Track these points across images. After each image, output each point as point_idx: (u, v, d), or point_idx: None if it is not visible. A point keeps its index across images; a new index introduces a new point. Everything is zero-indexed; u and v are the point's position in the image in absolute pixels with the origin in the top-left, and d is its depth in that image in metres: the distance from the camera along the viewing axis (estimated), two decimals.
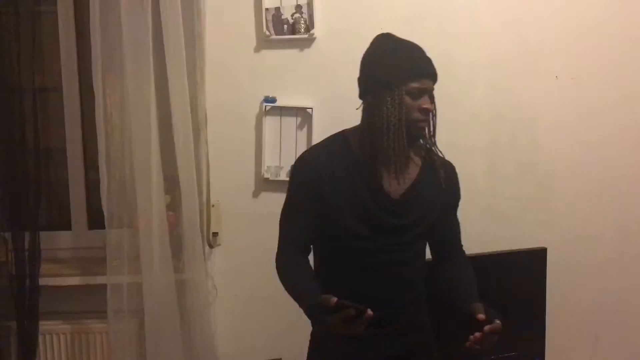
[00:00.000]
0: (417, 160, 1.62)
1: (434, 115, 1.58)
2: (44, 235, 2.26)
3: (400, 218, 1.58)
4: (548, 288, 2.26)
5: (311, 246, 1.69)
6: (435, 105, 1.58)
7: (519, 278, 2.20)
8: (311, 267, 1.65)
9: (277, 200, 2.38)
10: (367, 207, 1.55)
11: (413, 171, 1.60)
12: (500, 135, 2.38)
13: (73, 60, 2.40)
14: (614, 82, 2.39)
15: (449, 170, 1.68)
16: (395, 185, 1.56)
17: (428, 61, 1.55)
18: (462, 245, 1.79)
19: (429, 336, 1.73)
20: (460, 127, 2.30)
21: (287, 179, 2.35)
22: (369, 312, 1.29)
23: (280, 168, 2.36)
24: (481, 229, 2.29)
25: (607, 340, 2.52)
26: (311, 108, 2.30)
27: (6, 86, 2.17)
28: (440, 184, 1.62)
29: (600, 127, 2.41)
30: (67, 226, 2.49)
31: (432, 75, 1.55)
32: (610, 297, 2.49)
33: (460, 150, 2.04)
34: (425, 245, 1.72)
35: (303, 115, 2.33)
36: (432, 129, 1.59)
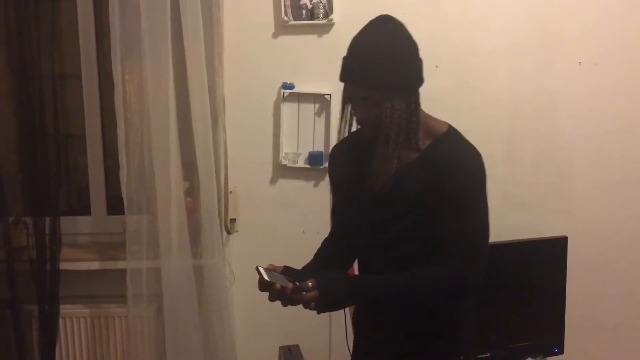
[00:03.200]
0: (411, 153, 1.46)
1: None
2: (63, 220, 2.28)
3: (381, 212, 1.47)
4: (568, 277, 2.24)
5: None
6: None
7: (539, 267, 2.18)
8: (329, 249, 1.67)
9: (294, 187, 2.41)
10: (352, 200, 1.54)
11: (402, 163, 1.44)
12: (520, 123, 2.35)
13: (92, 46, 2.40)
14: (637, 68, 2.34)
15: (447, 164, 1.40)
16: (380, 178, 1.44)
17: None
18: (457, 258, 1.40)
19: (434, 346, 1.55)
20: (480, 115, 2.28)
21: (305, 165, 2.35)
22: (289, 287, 1.34)
23: (298, 155, 2.36)
24: (501, 217, 2.22)
25: (626, 331, 2.49)
26: (329, 94, 2.29)
27: (26, 73, 2.19)
28: (429, 178, 1.41)
29: (622, 115, 2.37)
30: (86, 211, 2.51)
31: None
32: (629, 287, 2.46)
33: (479, 138, 1.99)
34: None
35: (321, 101, 2.32)
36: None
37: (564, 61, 2.32)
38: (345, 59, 1.42)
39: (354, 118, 1.47)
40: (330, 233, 1.70)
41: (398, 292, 1.40)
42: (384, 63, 1.35)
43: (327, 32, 2.29)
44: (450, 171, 1.38)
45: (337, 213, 1.64)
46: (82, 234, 2.48)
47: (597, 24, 2.30)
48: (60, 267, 2.26)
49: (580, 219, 2.40)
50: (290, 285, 1.35)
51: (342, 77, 1.42)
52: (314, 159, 2.34)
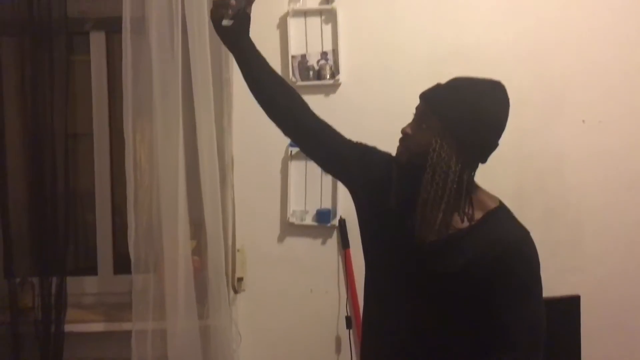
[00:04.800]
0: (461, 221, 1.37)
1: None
2: (69, 280, 2.27)
3: (423, 268, 1.36)
4: (582, 337, 2.18)
5: (316, 125, 1.51)
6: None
7: (552, 326, 2.11)
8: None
9: (302, 245, 2.39)
10: (391, 233, 1.42)
11: (451, 229, 1.35)
12: (527, 180, 2.35)
13: (104, 105, 2.46)
14: None
15: (506, 247, 1.32)
16: (425, 233, 1.35)
17: None
18: (522, 349, 1.30)
19: None
20: (486, 172, 2.27)
21: (313, 223, 2.34)
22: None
23: (306, 212, 2.36)
24: None
25: None
26: None
27: (40, 132, 2.23)
28: (483, 258, 1.31)
29: (629, 172, 2.36)
30: (93, 270, 2.50)
31: None
32: None
33: None
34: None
35: None
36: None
37: (568, 119, 2.35)
38: (437, 84, 1.39)
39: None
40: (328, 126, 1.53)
41: None
42: (465, 107, 1.31)
43: (334, 92, 2.34)
44: (511, 256, 1.31)
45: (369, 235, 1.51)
46: (88, 294, 2.46)
47: (599, 83, 2.33)
48: (65, 329, 2.23)
49: (593, 276, 2.36)
50: None
51: (421, 93, 1.38)
52: (321, 216, 2.34)
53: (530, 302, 1.32)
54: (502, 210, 1.41)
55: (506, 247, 1.32)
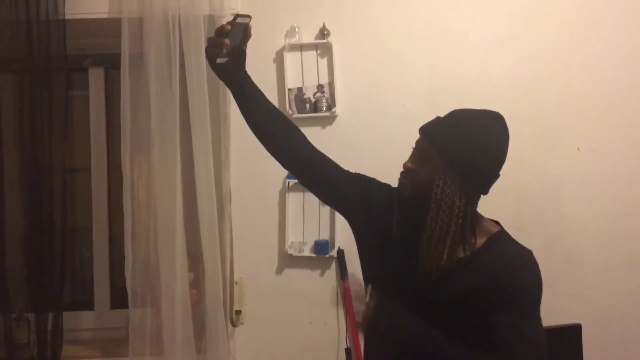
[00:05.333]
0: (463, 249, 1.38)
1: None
2: (66, 316, 2.25)
3: (424, 298, 1.37)
4: None
5: (312, 157, 1.50)
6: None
7: (553, 356, 2.10)
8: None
9: (300, 277, 2.38)
10: (394, 261, 1.43)
11: (453, 257, 1.36)
12: (525, 208, 2.36)
13: (102, 140, 2.48)
14: (636, 152, 2.37)
15: (507, 265, 1.33)
16: (428, 263, 1.35)
17: None
18: None
19: None
20: (484, 201, 2.28)
21: (311, 254, 2.34)
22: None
23: (304, 244, 2.35)
24: None
25: None
26: None
27: (37, 167, 2.24)
28: (484, 280, 1.32)
29: (625, 198, 2.37)
30: (89, 305, 2.48)
31: None
32: None
33: None
34: None
35: None
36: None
37: (563, 147, 2.36)
38: (437, 117, 1.40)
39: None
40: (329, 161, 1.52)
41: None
42: (466, 141, 1.31)
43: (331, 124, 2.36)
44: (513, 274, 1.31)
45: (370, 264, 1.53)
46: (84, 329, 2.43)
47: (593, 112, 2.36)
48: None
49: (593, 304, 2.34)
50: None
51: (421, 128, 1.39)
52: (319, 247, 2.34)
53: (530, 320, 1.31)
54: (503, 234, 1.42)
55: (507, 266, 1.32)
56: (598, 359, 2.24)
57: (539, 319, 1.33)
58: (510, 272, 1.32)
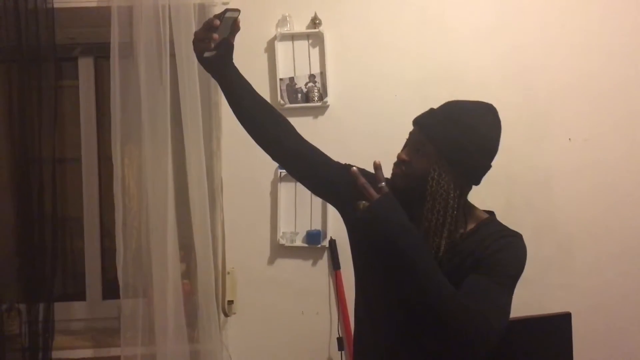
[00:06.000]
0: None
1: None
2: (57, 306, 2.25)
3: None
4: (574, 354, 2.18)
5: (299, 145, 1.52)
6: None
7: (543, 345, 2.12)
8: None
9: (293, 267, 2.39)
10: None
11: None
12: (516, 198, 2.37)
13: (92, 130, 2.46)
14: (626, 141, 2.38)
15: (496, 240, 1.35)
16: None
17: None
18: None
19: None
20: (475, 191, 2.29)
21: (303, 244, 2.34)
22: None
23: (296, 234, 2.36)
24: None
25: None
26: None
27: (27, 158, 2.22)
28: (473, 256, 1.34)
29: (615, 187, 2.39)
30: (81, 296, 2.47)
31: None
32: None
33: None
34: None
35: None
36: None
37: (554, 137, 2.37)
38: (431, 109, 1.40)
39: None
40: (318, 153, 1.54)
41: (429, 276, 1.25)
42: (459, 133, 1.33)
43: (323, 114, 2.36)
44: (498, 249, 1.32)
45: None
46: (76, 320, 2.43)
47: (584, 102, 2.37)
48: (53, 356, 2.20)
49: (583, 293, 2.37)
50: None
51: (415, 120, 1.40)
52: (311, 237, 2.34)
53: (501, 288, 1.30)
54: (493, 220, 1.44)
55: (494, 242, 1.34)
56: (587, 346, 2.27)
57: (509, 294, 1.32)
58: (496, 247, 1.33)
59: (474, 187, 1.42)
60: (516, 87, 2.35)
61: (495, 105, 1.42)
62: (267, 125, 1.49)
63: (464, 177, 1.36)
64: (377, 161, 1.29)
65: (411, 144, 1.39)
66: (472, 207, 1.44)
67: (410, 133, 1.41)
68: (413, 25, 2.36)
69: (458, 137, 1.33)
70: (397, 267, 1.26)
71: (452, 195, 1.33)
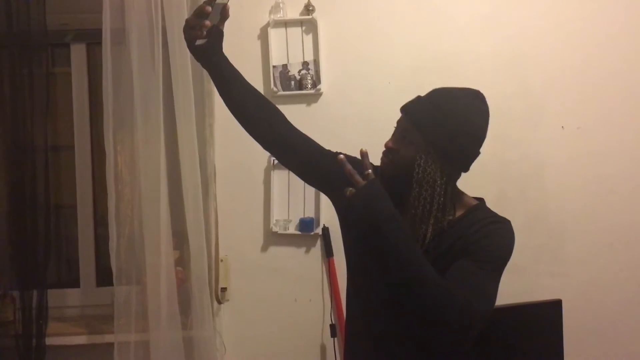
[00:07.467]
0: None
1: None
2: (51, 293, 2.25)
3: None
4: (565, 341, 2.21)
5: (289, 133, 1.52)
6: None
7: (534, 332, 2.14)
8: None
9: (286, 254, 2.40)
10: None
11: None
12: (508, 186, 2.37)
13: (85, 118, 2.45)
14: (619, 130, 2.39)
15: (483, 225, 1.37)
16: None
17: None
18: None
19: None
20: (468, 179, 2.30)
21: (296, 232, 2.35)
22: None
23: (289, 221, 2.36)
24: None
25: None
26: None
27: (19, 145, 2.21)
28: (460, 240, 1.36)
29: (608, 176, 2.39)
30: (75, 283, 2.48)
31: None
32: (627, 349, 2.42)
33: None
34: None
35: None
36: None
37: (547, 126, 2.38)
38: (418, 96, 1.41)
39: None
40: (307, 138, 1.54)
41: (412, 261, 1.24)
42: (446, 120, 1.33)
43: (316, 101, 2.35)
44: (485, 233, 1.33)
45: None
46: (70, 306, 2.44)
47: (577, 90, 2.37)
48: (47, 343, 2.20)
49: (574, 281, 2.38)
50: None
51: (402, 107, 1.40)
52: (304, 225, 2.34)
53: (487, 273, 1.29)
54: (482, 206, 1.45)
55: (482, 227, 1.34)
56: (577, 333, 2.29)
57: (495, 279, 1.32)
58: (483, 233, 1.34)
59: (466, 175, 1.43)
60: (510, 75, 2.35)
61: (488, 93, 1.42)
62: (257, 113, 1.48)
63: (451, 164, 1.36)
64: (363, 149, 1.29)
65: (398, 132, 1.40)
66: (460, 194, 1.44)
67: (398, 121, 1.42)
68: (407, 12, 2.35)
69: (444, 124, 1.33)
70: (381, 253, 1.26)
71: (438, 182, 1.33)
